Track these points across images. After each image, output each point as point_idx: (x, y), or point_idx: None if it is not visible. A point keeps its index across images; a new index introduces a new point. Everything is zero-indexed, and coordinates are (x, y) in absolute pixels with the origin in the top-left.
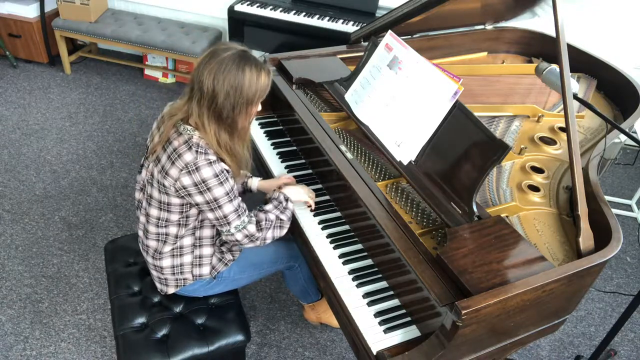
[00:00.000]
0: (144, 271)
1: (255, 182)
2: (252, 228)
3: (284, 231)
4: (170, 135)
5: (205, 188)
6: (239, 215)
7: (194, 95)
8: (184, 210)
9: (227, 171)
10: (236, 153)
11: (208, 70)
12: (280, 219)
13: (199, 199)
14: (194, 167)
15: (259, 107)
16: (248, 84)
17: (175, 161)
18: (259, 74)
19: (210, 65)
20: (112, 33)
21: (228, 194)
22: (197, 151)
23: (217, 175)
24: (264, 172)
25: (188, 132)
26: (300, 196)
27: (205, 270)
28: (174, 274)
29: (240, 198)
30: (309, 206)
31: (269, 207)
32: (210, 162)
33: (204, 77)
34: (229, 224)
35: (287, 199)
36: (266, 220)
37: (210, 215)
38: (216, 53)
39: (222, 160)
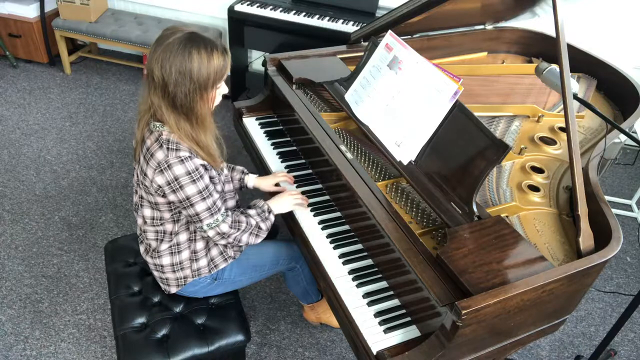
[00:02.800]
0: (144, 271)
1: (251, 179)
2: (225, 227)
3: (259, 240)
4: (144, 134)
5: (177, 186)
6: (212, 213)
7: (150, 86)
8: (173, 207)
9: (205, 167)
10: (200, 142)
11: (155, 58)
12: (259, 227)
13: (172, 197)
14: (165, 166)
15: (225, 90)
16: (197, 68)
17: (149, 160)
18: (209, 56)
19: (157, 53)
20: (112, 33)
21: (201, 192)
22: (168, 148)
23: (190, 173)
24: (264, 172)
25: (157, 128)
26: (286, 207)
27: (203, 262)
28: (174, 271)
29: (217, 196)
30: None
31: (251, 212)
32: (182, 160)
33: (152, 65)
34: (201, 221)
35: (270, 211)
36: (247, 224)
37: (184, 211)
38: (162, 39)
39: (197, 154)
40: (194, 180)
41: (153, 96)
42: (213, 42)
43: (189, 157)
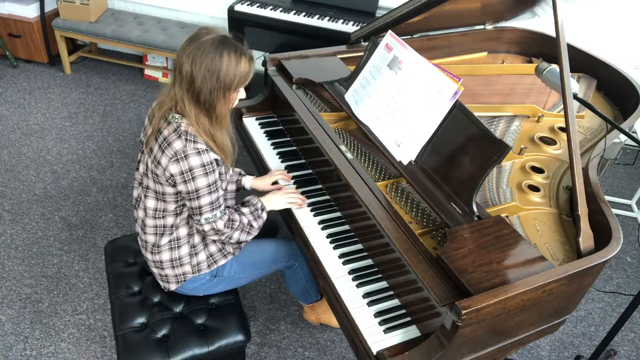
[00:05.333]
0: (144, 271)
1: (248, 181)
2: (220, 224)
3: (250, 237)
4: (160, 125)
5: (190, 177)
6: (213, 209)
7: (177, 79)
8: (179, 198)
9: (217, 161)
10: (216, 139)
11: (187, 53)
12: (251, 225)
13: (182, 187)
14: (182, 155)
15: (243, 95)
16: (225, 69)
17: (165, 149)
18: (238, 60)
19: (190, 48)
20: (112, 33)
21: (209, 186)
22: (186, 139)
23: (204, 165)
24: (264, 172)
25: (176, 120)
26: (280, 205)
27: (202, 257)
28: (173, 267)
29: (221, 193)
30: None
31: (245, 210)
32: (199, 152)
33: (183, 59)
34: (200, 214)
35: (262, 209)
36: (240, 222)
37: (187, 203)
38: (197, 37)
39: (211, 149)
40: (206, 173)
41: (177, 88)
42: (242, 49)
43: (206, 149)
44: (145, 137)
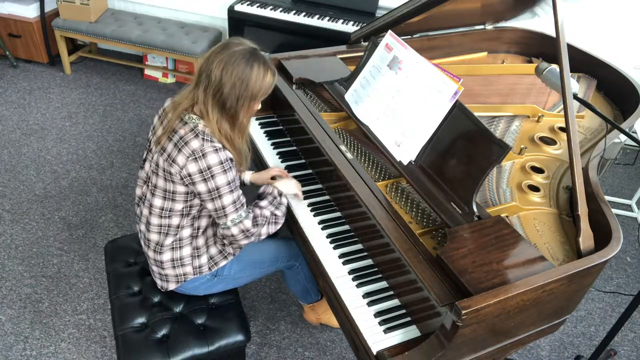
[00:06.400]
0: (144, 271)
1: (247, 176)
2: (248, 223)
3: (279, 226)
4: (175, 125)
5: (209, 175)
6: (237, 208)
7: (202, 82)
8: (189, 199)
9: (231, 160)
10: (236, 144)
11: (219, 60)
12: (275, 215)
13: (201, 187)
14: (200, 154)
15: (259, 106)
16: (254, 79)
17: (182, 148)
18: (265, 73)
19: (222, 55)
20: (112, 33)
21: (230, 183)
22: (203, 138)
23: (222, 163)
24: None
25: (193, 120)
26: (292, 189)
27: (204, 259)
28: (174, 267)
29: (240, 191)
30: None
31: (263, 203)
32: (217, 149)
33: (213, 65)
34: (226, 216)
35: (280, 194)
36: (261, 216)
37: (209, 205)
38: (229, 46)
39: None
40: (224, 171)
41: (201, 92)
42: (269, 63)
43: (222, 147)
44: (156, 136)
